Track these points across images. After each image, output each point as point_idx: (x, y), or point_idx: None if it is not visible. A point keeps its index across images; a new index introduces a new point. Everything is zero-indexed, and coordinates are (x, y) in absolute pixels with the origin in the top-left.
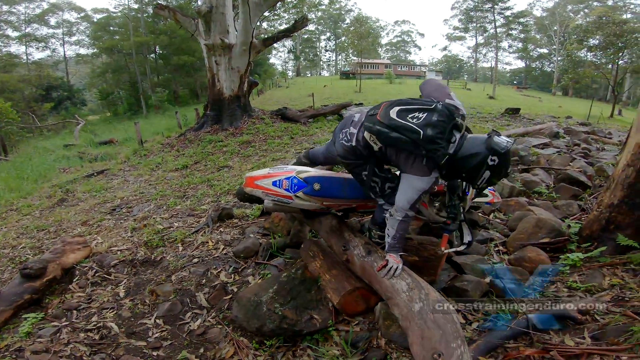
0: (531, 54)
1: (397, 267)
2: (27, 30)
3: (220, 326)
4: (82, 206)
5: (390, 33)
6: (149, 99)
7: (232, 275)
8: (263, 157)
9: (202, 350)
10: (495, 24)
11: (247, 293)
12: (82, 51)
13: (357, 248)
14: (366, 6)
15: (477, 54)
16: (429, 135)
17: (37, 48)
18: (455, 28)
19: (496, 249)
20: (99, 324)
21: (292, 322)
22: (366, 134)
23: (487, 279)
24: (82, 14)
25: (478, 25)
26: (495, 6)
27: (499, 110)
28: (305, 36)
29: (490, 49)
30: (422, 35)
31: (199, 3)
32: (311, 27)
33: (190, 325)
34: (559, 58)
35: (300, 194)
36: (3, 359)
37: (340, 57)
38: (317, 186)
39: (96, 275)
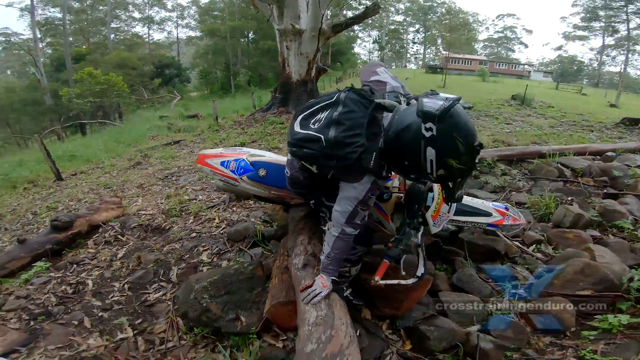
0: None
1: (319, 293)
2: (149, 13)
3: (169, 303)
4: (148, 171)
5: (490, 28)
6: (236, 79)
7: (213, 257)
8: None
9: (140, 320)
10: (628, 25)
11: (193, 277)
12: (192, 34)
13: (298, 257)
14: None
15: (603, 57)
16: (332, 138)
17: (156, 30)
18: (576, 27)
19: (513, 291)
20: (80, 280)
21: (214, 317)
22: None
23: (474, 328)
24: None
25: (606, 25)
26: (630, 5)
27: (614, 119)
28: (392, 27)
29: (621, 52)
30: (529, 32)
31: None
32: (399, 17)
33: (149, 296)
34: None
35: (245, 177)
36: None
37: (428, 50)
38: (262, 172)
39: (112, 234)
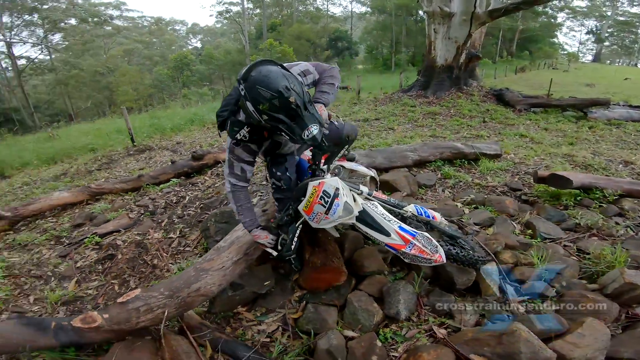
0: None
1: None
2: None
3: None
4: None
5: None
6: (396, 57)
7: (255, 200)
8: (431, 130)
9: (188, 229)
10: None
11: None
12: (364, 9)
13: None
14: None
15: None
16: (217, 112)
17: (333, 4)
18: None
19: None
20: (184, 195)
21: (208, 235)
22: None
23: (349, 333)
24: None
25: None
26: None
27: None
28: (621, 18)
29: None
30: None
31: None
32: (635, 9)
33: (206, 216)
34: None
35: None
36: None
37: None
38: None
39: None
